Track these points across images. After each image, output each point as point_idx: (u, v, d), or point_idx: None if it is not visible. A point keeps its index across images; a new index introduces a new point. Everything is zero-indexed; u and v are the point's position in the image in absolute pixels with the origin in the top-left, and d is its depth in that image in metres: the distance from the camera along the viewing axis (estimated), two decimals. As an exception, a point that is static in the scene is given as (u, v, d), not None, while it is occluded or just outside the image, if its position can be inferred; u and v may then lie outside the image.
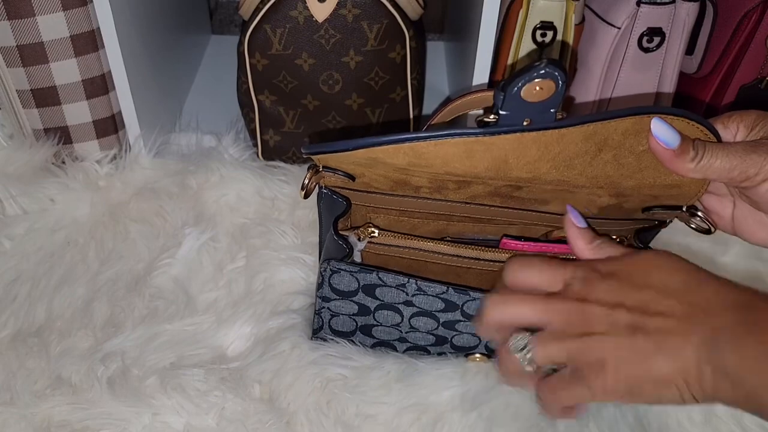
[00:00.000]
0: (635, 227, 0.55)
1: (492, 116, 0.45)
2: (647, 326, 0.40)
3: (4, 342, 0.62)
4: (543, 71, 0.42)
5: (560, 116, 0.45)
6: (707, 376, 0.37)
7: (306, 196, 0.50)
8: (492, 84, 0.74)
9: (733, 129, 0.46)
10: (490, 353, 0.60)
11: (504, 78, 0.74)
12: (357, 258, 0.57)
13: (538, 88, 0.42)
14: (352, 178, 0.51)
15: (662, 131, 0.45)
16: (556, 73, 0.42)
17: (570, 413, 0.44)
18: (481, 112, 0.48)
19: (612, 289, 0.42)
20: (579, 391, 0.41)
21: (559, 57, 0.72)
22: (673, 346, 0.39)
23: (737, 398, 0.37)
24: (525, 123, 0.44)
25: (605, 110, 0.78)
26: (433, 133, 0.45)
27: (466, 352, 0.60)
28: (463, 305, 0.55)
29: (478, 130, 0.45)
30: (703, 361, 0.37)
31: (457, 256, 0.55)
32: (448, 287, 0.54)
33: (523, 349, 0.43)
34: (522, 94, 0.43)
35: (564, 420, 0.43)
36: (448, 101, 0.56)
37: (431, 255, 0.56)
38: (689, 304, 0.40)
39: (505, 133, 0.45)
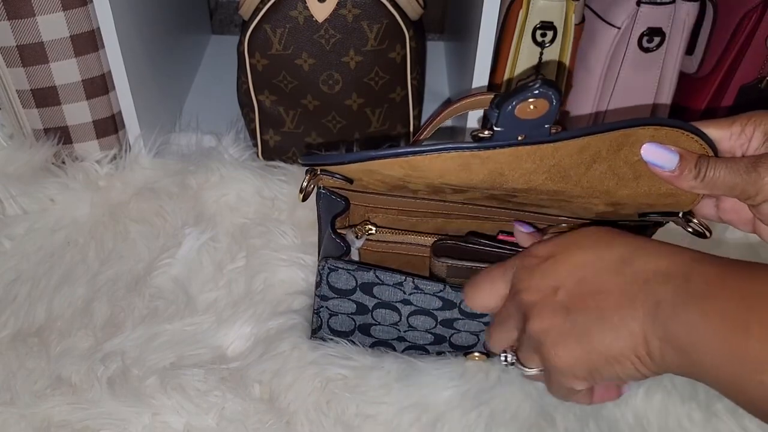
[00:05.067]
0: (631, 226, 0.55)
1: (487, 131, 0.45)
2: (587, 305, 0.39)
3: (4, 342, 0.62)
4: (537, 91, 0.42)
5: (554, 130, 0.45)
6: (655, 348, 0.37)
7: (304, 199, 0.50)
8: (492, 85, 0.74)
9: (748, 133, 0.44)
10: (488, 352, 0.60)
11: (503, 82, 0.74)
12: (355, 256, 0.57)
13: (532, 107, 0.43)
14: (350, 181, 0.51)
15: (655, 156, 0.44)
16: (550, 93, 0.42)
17: (579, 398, 0.44)
18: (481, 113, 0.48)
19: (549, 272, 0.42)
20: (548, 377, 0.42)
21: (558, 57, 0.72)
22: (617, 322, 0.38)
23: (685, 367, 0.36)
24: (520, 138, 0.45)
25: (604, 112, 0.78)
26: (428, 148, 0.45)
27: (465, 350, 0.60)
28: (460, 303, 0.55)
29: (473, 144, 0.45)
30: (650, 334, 0.37)
31: None
32: (445, 285, 0.54)
33: (505, 360, 0.46)
34: (516, 112, 0.43)
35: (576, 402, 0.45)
36: (448, 102, 0.57)
37: (429, 250, 0.56)
38: (628, 276, 0.39)
39: (501, 147, 0.45)
